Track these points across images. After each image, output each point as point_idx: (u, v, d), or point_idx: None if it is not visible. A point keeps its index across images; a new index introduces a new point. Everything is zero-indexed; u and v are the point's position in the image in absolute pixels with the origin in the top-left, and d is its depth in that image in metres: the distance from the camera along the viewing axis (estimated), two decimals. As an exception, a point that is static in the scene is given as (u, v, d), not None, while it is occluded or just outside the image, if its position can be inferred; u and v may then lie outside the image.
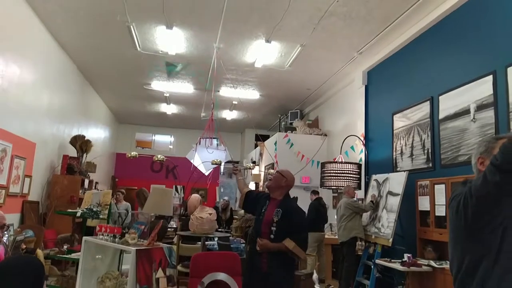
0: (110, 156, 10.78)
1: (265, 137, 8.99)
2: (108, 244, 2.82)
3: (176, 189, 9.90)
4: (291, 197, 2.97)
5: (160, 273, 2.67)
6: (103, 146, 9.37)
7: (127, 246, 2.70)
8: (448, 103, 4.05)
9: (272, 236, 2.57)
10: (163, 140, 12.41)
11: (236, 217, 6.50)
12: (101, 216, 3.30)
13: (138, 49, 5.67)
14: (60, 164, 5.90)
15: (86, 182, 6.29)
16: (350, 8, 4.41)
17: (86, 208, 3.25)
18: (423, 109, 4.48)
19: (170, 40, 5.34)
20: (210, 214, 3.26)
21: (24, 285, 1.44)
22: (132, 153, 3.64)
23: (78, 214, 3.17)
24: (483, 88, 3.57)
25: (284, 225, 2.54)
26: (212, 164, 3.63)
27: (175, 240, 4.50)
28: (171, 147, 12.32)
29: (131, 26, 5.00)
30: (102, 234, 2.99)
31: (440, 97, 4.18)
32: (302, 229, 2.56)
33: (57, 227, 5.17)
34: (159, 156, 3.73)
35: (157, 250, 2.72)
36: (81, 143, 6.36)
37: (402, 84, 4.99)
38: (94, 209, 3.23)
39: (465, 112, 3.79)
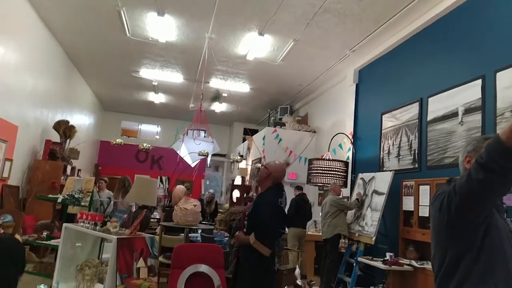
0: (94, 144, 10.59)
1: (253, 132, 8.96)
2: (89, 231, 2.75)
3: (161, 180, 9.79)
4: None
5: (141, 263, 2.62)
6: (87, 133, 9.19)
7: (108, 234, 2.64)
8: (437, 105, 4.07)
9: (245, 229, 2.59)
10: (150, 130, 12.26)
11: (221, 210, 6.46)
12: (82, 203, 3.23)
13: (128, 34, 5.55)
14: (42, 149, 5.76)
15: (69, 168, 6.15)
16: (344, 6, 4.39)
17: (67, 194, 3.17)
18: (412, 110, 4.50)
19: (161, 27, 5.23)
20: (195, 205, 3.21)
21: (4, 265, 1.39)
22: (117, 140, 3.56)
23: (59, 200, 3.09)
24: (472, 91, 3.60)
25: (252, 218, 2.55)
26: (199, 155, 3.58)
27: (157, 230, 4.43)
28: (157, 137, 12.17)
29: (121, 11, 4.89)
30: (83, 222, 2.92)
31: (429, 99, 4.20)
32: (263, 223, 2.49)
33: (37, 213, 5.05)
34: (144, 144, 3.66)
35: (139, 239, 2.67)
36: (65, 129, 6.22)
37: (392, 85, 5.01)
38: (76, 196, 3.15)
39: (453, 114, 3.82)
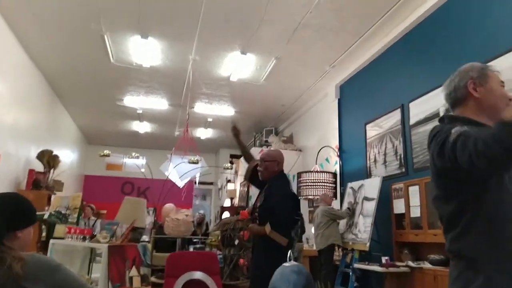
0: (78, 178, 10.39)
1: (240, 157, 8.95)
2: (78, 244, 2.66)
3: (148, 212, 9.60)
4: None
5: (134, 272, 2.52)
6: (71, 167, 9.02)
7: (98, 244, 2.55)
8: (418, 109, 4.20)
9: (257, 221, 2.54)
10: (135, 163, 12.10)
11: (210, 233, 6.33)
12: (70, 220, 3.13)
13: (112, 60, 5.61)
14: (25, 179, 5.61)
15: (53, 198, 5.98)
16: (323, 20, 4.57)
17: (54, 211, 3.08)
18: (394, 117, 4.62)
19: (145, 51, 5.32)
20: (187, 215, 3.16)
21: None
22: (105, 151, 3.51)
23: (46, 216, 2.99)
24: (450, 92, 3.74)
25: (263, 209, 2.52)
26: (190, 163, 3.55)
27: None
28: (143, 170, 12.03)
29: (105, 36, 4.96)
30: (71, 237, 2.83)
31: (410, 104, 4.34)
32: (277, 212, 2.46)
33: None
34: (133, 153, 3.62)
35: (131, 247, 2.59)
36: (49, 158, 6.11)
37: (374, 95, 5.16)
38: (63, 212, 3.06)
39: (435, 115, 3.93)
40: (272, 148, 7.50)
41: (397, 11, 4.28)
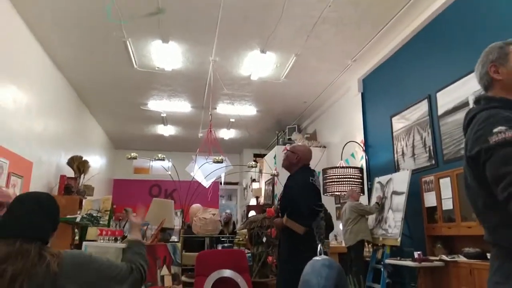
0: (108, 182, 10.66)
1: (263, 157, 8.96)
2: (110, 245, 2.72)
3: (176, 213, 9.74)
4: None
5: (164, 271, 2.56)
6: (101, 171, 9.26)
7: (129, 244, 2.60)
8: (446, 99, 4.07)
9: (279, 214, 2.55)
10: (161, 165, 12.31)
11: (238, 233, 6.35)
12: (101, 222, 3.20)
13: (135, 66, 5.72)
14: (57, 184, 5.80)
15: (84, 202, 6.15)
16: (342, 14, 4.50)
17: (86, 214, 3.16)
18: (421, 108, 4.50)
19: (166, 55, 5.39)
20: (214, 214, 3.18)
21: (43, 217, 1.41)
22: (132, 154, 3.58)
23: (78, 220, 3.08)
24: (480, 79, 3.60)
25: (283, 202, 2.53)
26: (214, 162, 3.58)
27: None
28: (169, 173, 12.22)
29: (128, 42, 5.06)
30: (103, 238, 2.89)
31: (437, 94, 4.21)
32: (293, 201, 2.48)
33: (54, 247, 5.01)
34: (159, 155, 3.68)
35: (161, 247, 2.63)
36: (79, 164, 6.29)
37: (398, 87, 5.04)
38: (94, 215, 3.14)
39: (464, 105, 3.80)
40: (288, 147, 7.48)
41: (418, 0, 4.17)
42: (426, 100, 4.41)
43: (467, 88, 3.74)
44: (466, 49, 3.81)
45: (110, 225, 3.12)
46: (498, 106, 1.24)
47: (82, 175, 6.36)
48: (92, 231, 3.61)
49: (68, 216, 3.38)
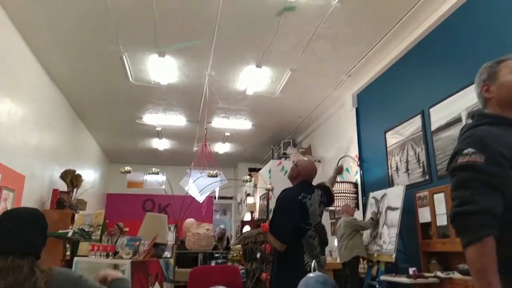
0: (101, 197, 10.56)
1: (258, 171, 8.94)
2: (102, 260, 2.68)
3: (169, 228, 9.64)
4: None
5: (157, 287, 2.52)
6: (94, 185, 9.18)
7: (121, 260, 2.56)
8: (439, 114, 4.11)
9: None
10: (155, 179, 12.24)
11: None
12: (93, 237, 3.16)
13: (131, 80, 5.74)
14: (49, 198, 5.73)
15: (76, 216, 6.08)
16: (337, 31, 4.57)
17: (78, 229, 3.12)
18: (415, 123, 4.53)
19: (163, 69, 5.42)
20: (208, 229, 3.15)
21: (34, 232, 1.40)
22: (126, 167, 3.56)
23: (70, 234, 3.04)
24: (472, 95, 3.62)
25: (272, 213, 2.53)
26: (209, 176, 3.57)
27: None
28: (163, 187, 12.13)
29: (124, 56, 5.09)
30: (95, 254, 2.85)
31: (430, 110, 4.25)
32: (275, 216, 2.48)
33: (45, 263, 4.92)
34: (153, 169, 3.66)
35: (153, 262, 2.59)
36: (72, 177, 6.23)
37: (392, 102, 5.09)
38: (86, 230, 3.10)
39: (456, 120, 3.84)
40: (295, 159, 7.47)
41: (411, 17, 4.24)
42: (419, 116, 4.44)
43: (460, 104, 3.79)
44: (458, 65, 3.87)
45: (102, 240, 3.08)
46: (488, 123, 1.29)
47: (75, 189, 6.30)
48: (83, 246, 3.56)
49: (60, 231, 3.34)
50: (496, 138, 1.21)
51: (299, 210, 2.54)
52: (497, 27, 3.42)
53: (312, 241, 2.55)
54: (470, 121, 1.41)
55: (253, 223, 7.36)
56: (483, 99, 1.38)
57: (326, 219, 6.53)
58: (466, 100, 3.70)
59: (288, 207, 2.50)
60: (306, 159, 2.88)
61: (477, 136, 1.24)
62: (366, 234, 4.70)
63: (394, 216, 4.24)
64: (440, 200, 3.79)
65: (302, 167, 2.73)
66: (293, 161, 2.90)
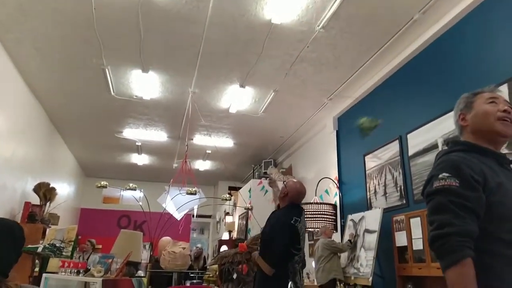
0: (75, 211, 10.25)
1: (238, 190, 8.89)
2: (71, 278, 2.58)
3: (144, 246, 9.40)
4: None
5: (128, 307, 2.43)
6: (68, 199, 8.91)
7: (92, 278, 2.47)
8: (416, 140, 4.21)
9: (259, 248, 2.51)
10: (132, 195, 11.99)
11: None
12: (64, 253, 3.05)
13: (112, 93, 5.68)
14: (21, 211, 5.52)
15: (48, 231, 5.86)
16: (319, 55, 4.67)
17: (48, 244, 3.00)
18: (393, 148, 4.63)
19: (146, 84, 5.40)
20: (184, 248, 3.08)
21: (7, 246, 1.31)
22: (102, 182, 3.47)
23: (40, 250, 2.92)
24: (449, 123, 3.76)
25: (263, 236, 2.48)
26: (187, 193, 3.51)
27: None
28: (140, 203, 11.88)
29: (107, 69, 5.05)
30: (65, 271, 2.75)
31: (408, 135, 4.35)
32: (270, 240, 2.44)
33: (12, 279, 4.69)
34: (130, 184, 3.58)
35: (126, 281, 2.51)
36: (45, 191, 6.04)
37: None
38: (57, 245, 2.99)
39: (433, 147, 3.94)
40: (285, 180, 7.47)
41: (391, 46, 4.39)
42: (397, 141, 4.54)
43: (436, 131, 3.89)
44: (435, 94, 4.00)
45: (73, 257, 2.97)
46: (461, 150, 1.36)
47: (48, 203, 6.10)
48: (53, 262, 3.43)
49: (29, 246, 3.20)
50: (469, 163, 1.27)
51: (291, 235, 2.53)
52: (474, 58, 3.57)
53: (296, 266, 2.54)
54: (445, 147, 1.47)
55: (231, 242, 7.26)
56: (460, 127, 1.46)
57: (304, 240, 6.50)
58: (442, 127, 3.81)
59: (282, 231, 2.47)
60: (295, 180, 2.87)
61: (451, 162, 1.30)
62: (344, 256, 4.70)
63: (372, 239, 4.27)
64: (416, 225, 3.84)
65: (290, 188, 2.72)
66: (284, 182, 2.88)
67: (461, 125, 1.45)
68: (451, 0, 3.64)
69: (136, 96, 5.79)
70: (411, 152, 4.27)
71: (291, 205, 2.71)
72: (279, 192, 2.80)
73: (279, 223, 2.53)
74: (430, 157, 3.93)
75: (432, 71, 4.11)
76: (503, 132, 1.36)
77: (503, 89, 3.16)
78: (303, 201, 5.96)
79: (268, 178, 3.22)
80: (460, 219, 1.16)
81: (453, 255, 1.13)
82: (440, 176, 1.25)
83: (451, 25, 3.82)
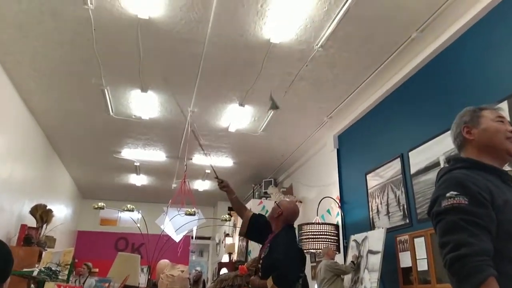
0: (72, 234, 10.08)
1: (238, 210, 8.78)
2: (66, 304, 2.48)
3: (142, 270, 9.21)
4: None
5: (125, 335, 2.33)
6: (65, 222, 8.78)
7: (88, 304, 2.38)
8: (418, 158, 4.16)
9: (260, 273, 2.39)
10: (130, 218, 11.84)
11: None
12: (60, 277, 2.94)
13: (111, 113, 5.66)
14: (17, 234, 5.41)
15: (44, 254, 5.73)
16: (319, 73, 4.68)
17: (44, 268, 2.91)
18: (395, 166, 4.57)
19: (144, 104, 5.39)
20: (182, 271, 2.99)
21: None
22: (99, 203, 3.40)
23: (35, 274, 2.82)
24: (450, 140, 3.72)
25: (267, 261, 2.38)
26: (186, 214, 3.44)
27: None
28: (138, 225, 11.72)
29: (106, 90, 5.04)
30: (60, 296, 2.65)
31: (410, 153, 4.31)
32: (280, 265, 2.33)
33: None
34: (128, 205, 3.51)
35: (123, 307, 2.41)
36: (42, 213, 5.93)
37: (372, 144, 5.15)
38: (53, 269, 2.89)
39: (435, 165, 3.89)
40: (271, 198, 7.38)
41: (391, 64, 4.39)
42: (399, 159, 4.49)
43: (438, 149, 3.85)
44: (437, 111, 3.98)
45: (69, 281, 2.87)
46: (464, 167, 1.34)
47: (45, 225, 5.99)
48: (49, 287, 3.31)
49: (24, 269, 3.10)
50: (474, 181, 1.25)
51: (300, 258, 2.48)
52: (474, 75, 3.56)
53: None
54: (446, 165, 1.44)
55: (231, 265, 7.11)
56: (462, 140, 1.43)
57: (306, 263, 6.37)
58: (444, 145, 3.77)
59: (292, 255, 2.39)
60: (288, 199, 2.80)
61: (457, 180, 1.27)
62: (347, 278, 4.58)
63: (375, 260, 4.16)
64: (420, 245, 3.76)
65: (284, 208, 2.64)
66: (275, 202, 2.81)
67: (466, 138, 1.42)
68: (448, 18, 3.67)
69: (135, 116, 5.77)
70: (413, 170, 4.22)
71: (288, 227, 2.62)
72: (271, 211, 2.70)
73: (288, 248, 2.43)
74: (433, 175, 3.88)
75: (431, 89, 4.11)
76: None
77: (503, 106, 3.14)
78: (305, 221, 5.90)
79: (218, 181, 3.02)
80: (475, 237, 1.13)
81: (477, 276, 1.08)
82: (448, 194, 1.22)
83: (450, 42, 3.83)
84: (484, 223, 1.16)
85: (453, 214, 1.19)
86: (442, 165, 3.80)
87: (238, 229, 8.18)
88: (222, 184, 2.88)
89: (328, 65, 4.49)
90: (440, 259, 1.33)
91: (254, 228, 2.72)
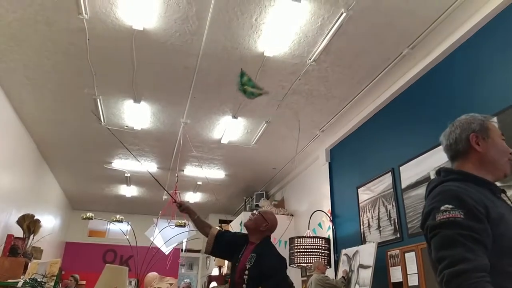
0: (59, 245, 9.90)
1: (229, 222, 8.71)
2: (50, 317, 2.43)
3: (130, 283, 9.04)
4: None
5: None
6: (53, 233, 8.62)
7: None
8: (409, 173, 4.19)
9: (244, 285, 2.35)
10: (119, 229, 11.68)
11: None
12: (45, 289, 2.88)
13: (103, 123, 5.63)
14: (3, 244, 5.29)
15: (30, 265, 5.60)
16: (311, 87, 4.72)
17: (29, 279, 2.85)
18: (385, 181, 4.59)
19: (137, 114, 5.37)
20: (171, 284, 2.94)
21: None
22: (88, 214, 3.35)
23: (20, 285, 2.76)
24: (440, 155, 3.76)
25: (256, 271, 2.34)
26: (176, 226, 3.40)
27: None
28: (127, 237, 11.55)
29: (98, 99, 5.03)
30: (44, 309, 2.58)
31: (400, 168, 4.34)
32: (274, 273, 2.31)
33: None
34: (117, 216, 3.46)
35: (109, 321, 2.36)
36: (29, 223, 5.82)
37: (364, 158, 5.18)
38: (39, 280, 2.83)
39: (426, 179, 3.92)
40: (261, 211, 7.33)
41: (382, 79, 4.45)
42: (390, 173, 4.52)
43: (428, 164, 3.88)
44: (427, 126, 4.02)
45: (54, 294, 2.82)
46: (455, 179, 1.29)
47: (32, 236, 5.87)
48: (33, 300, 3.23)
49: (9, 281, 3.03)
50: (469, 194, 1.21)
51: (286, 268, 2.47)
52: (464, 91, 3.62)
53: None
54: (436, 177, 1.40)
55: (221, 278, 7.02)
56: (467, 147, 1.36)
57: (297, 276, 6.31)
58: (434, 160, 3.81)
59: (281, 266, 2.40)
60: (269, 210, 2.76)
61: (452, 192, 1.23)
62: (338, 293, 4.54)
63: (366, 275, 4.14)
64: (411, 259, 3.75)
65: (270, 221, 2.62)
66: (257, 212, 2.74)
67: (473, 147, 1.35)
68: (439, 37, 3.74)
69: (127, 126, 5.75)
70: (404, 184, 4.24)
71: (268, 237, 2.61)
72: (255, 222, 2.63)
73: (277, 259, 2.41)
74: (423, 189, 3.86)
75: (422, 104, 4.16)
76: (509, 173, 1.35)
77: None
78: (297, 235, 5.87)
79: (176, 203, 2.90)
80: (473, 253, 1.10)
81: None
82: (443, 208, 1.18)
83: (440, 60, 3.90)
84: (481, 238, 1.13)
85: (449, 228, 1.16)
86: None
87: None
88: (182, 208, 2.82)
89: (320, 79, 4.53)
90: (431, 274, 1.31)
91: (221, 245, 2.66)
